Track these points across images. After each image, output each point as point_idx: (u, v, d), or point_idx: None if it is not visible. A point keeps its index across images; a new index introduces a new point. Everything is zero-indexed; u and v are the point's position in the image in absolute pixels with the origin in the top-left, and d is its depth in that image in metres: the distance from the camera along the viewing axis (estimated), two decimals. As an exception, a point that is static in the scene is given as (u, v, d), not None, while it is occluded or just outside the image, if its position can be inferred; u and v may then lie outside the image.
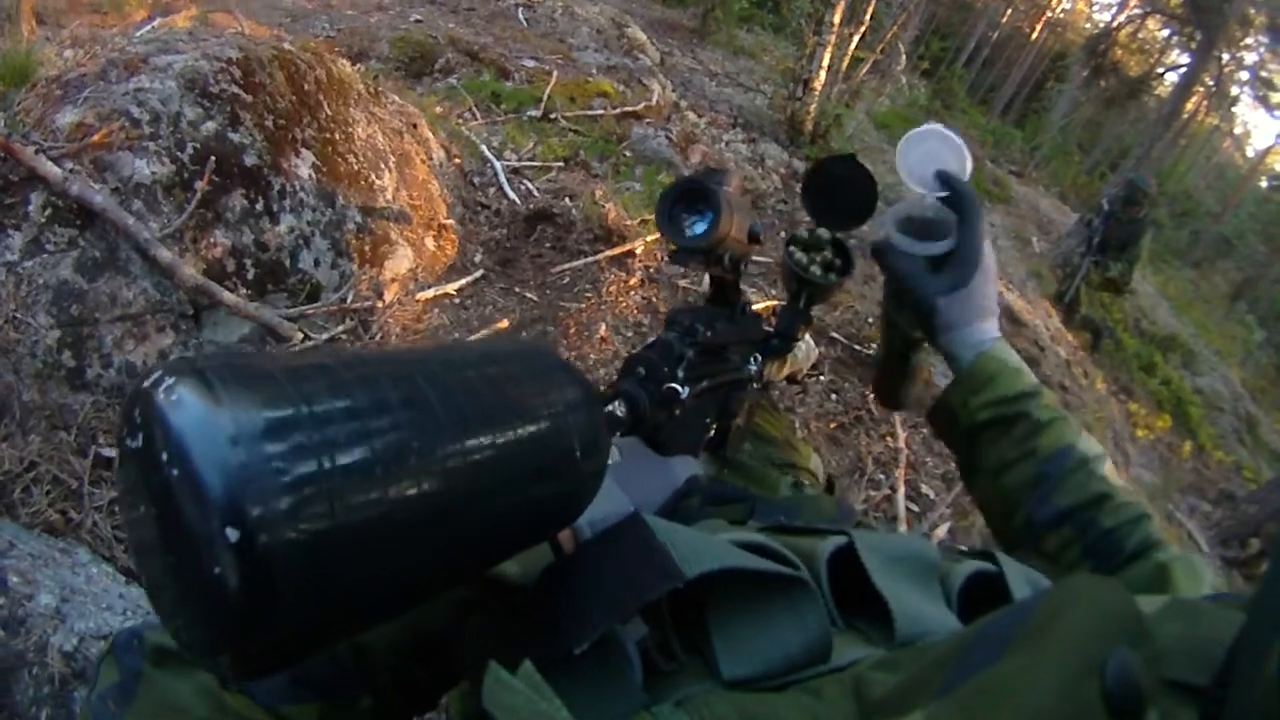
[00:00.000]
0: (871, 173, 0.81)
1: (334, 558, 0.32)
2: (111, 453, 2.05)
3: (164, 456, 0.31)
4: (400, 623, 0.57)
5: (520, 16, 6.95)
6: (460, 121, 4.55)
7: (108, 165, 2.30)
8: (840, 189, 0.82)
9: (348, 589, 0.33)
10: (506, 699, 0.38)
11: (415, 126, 3.70)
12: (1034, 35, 24.67)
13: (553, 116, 5.01)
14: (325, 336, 2.62)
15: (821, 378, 3.62)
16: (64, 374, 2.10)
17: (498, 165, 4.11)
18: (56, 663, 1.40)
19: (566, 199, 4.00)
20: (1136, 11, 20.64)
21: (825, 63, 6.29)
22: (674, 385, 0.63)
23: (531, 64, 5.71)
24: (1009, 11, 25.01)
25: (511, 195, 3.95)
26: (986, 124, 17.00)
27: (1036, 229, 9.67)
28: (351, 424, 0.33)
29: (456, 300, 3.21)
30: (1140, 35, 22.61)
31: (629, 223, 3.84)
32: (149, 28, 4.08)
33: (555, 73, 5.60)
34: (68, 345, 2.11)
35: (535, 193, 4.06)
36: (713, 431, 0.78)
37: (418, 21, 6.25)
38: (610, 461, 0.57)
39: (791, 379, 1.00)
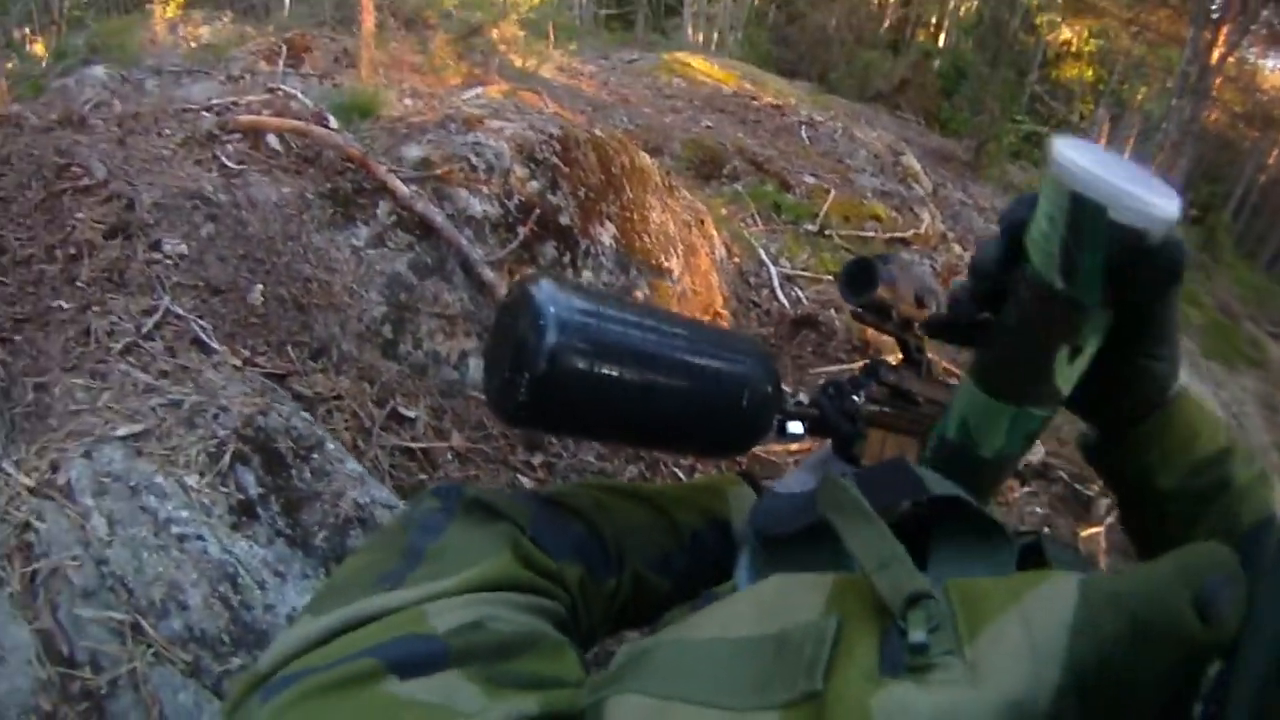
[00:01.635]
0: None
1: (580, 377, 0.56)
2: (407, 412, 2.60)
3: (529, 300, 0.56)
4: (652, 535, 0.70)
5: (803, 134, 7.41)
6: (742, 225, 4.99)
7: (446, 196, 2.95)
8: None
9: (589, 394, 0.57)
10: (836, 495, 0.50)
11: (702, 223, 4.18)
12: (1304, 180, 22.11)
13: (827, 232, 5.34)
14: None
15: (1025, 486, 3.67)
16: (380, 342, 2.69)
17: (773, 269, 4.53)
18: (347, 506, 1.92)
19: (832, 310, 4.30)
20: None
21: None
22: (854, 399, 0.79)
23: (811, 180, 6.09)
24: (1275, 152, 22.57)
25: (782, 298, 4.35)
26: (1250, 278, 15.47)
27: (1291, 399, 8.79)
28: (622, 326, 0.59)
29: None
30: None
31: (885, 339, 4.13)
32: (474, 93, 4.89)
33: (833, 191, 5.89)
34: (390, 321, 2.71)
35: (804, 300, 4.42)
36: None
37: (708, 127, 6.81)
38: (817, 460, 0.82)
39: None
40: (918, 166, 7.55)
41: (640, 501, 0.70)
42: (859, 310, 0.78)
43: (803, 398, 0.78)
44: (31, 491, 1.79)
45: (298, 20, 8.85)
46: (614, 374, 0.57)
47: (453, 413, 2.73)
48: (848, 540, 0.46)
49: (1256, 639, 0.33)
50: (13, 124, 3.16)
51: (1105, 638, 0.36)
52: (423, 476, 2.49)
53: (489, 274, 2.80)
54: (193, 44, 7.93)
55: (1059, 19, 15.25)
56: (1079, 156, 0.50)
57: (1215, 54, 9.89)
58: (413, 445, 2.56)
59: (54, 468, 1.83)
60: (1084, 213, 0.50)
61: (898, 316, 0.80)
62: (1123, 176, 0.49)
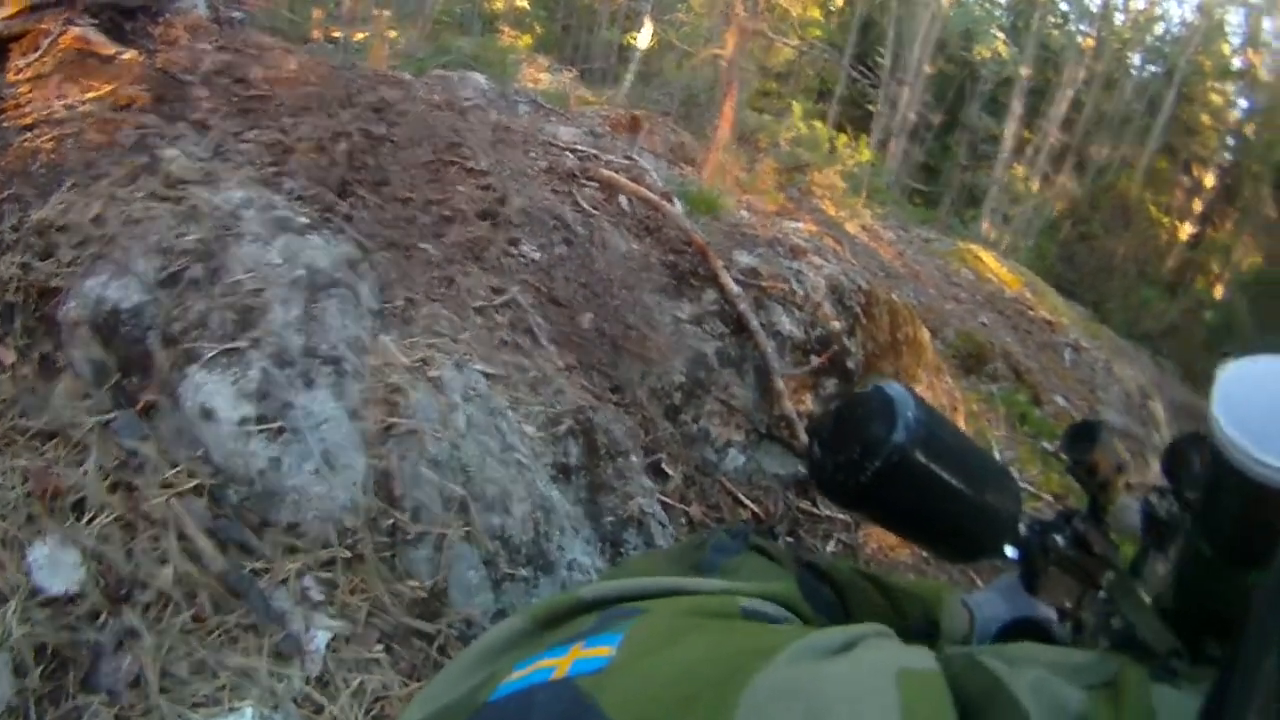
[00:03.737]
0: None
1: (916, 469, 0.65)
2: (668, 470, 2.98)
3: (886, 400, 0.66)
4: (882, 615, 0.75)
5: (1066, 356, 7.47)
6: (988, 425, 5.20)
7: (764, 306, 3.38)
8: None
9: (912, 486, 0.66)
10: None
11: (955, 410, 4.42)
12: None
13: (1062, 456, 5.42)
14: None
15: None
16: (667, 404, 3.11)
17: (1006, 476, 4.69)
18: (634, 508, 2.35)
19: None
20: None
21: None
22: (1055, 537, 0.90)
23: (1061, 401, 6.22)
24: None
25: None
26: None
27: None
28: (947, 439, 0.69)
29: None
30: None
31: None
32: (797, 226, 5.33)
33: (1079, 418, 5.98)
34: (682, 390, 3.13)
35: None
36: (1068, 623, 0.98)
37: (983, 324, 7.02)
38: (1004, 584, 0.95)
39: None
40: (1162, 416, 7.41)
41: (877, 586, 0.78)
42: (1074, 464, 0.91)
43: (1021, 527, 0.87)
44: (406, 370, 2.21)
45: (640, 101, 9.52)
46: (940, 474, 0.67)
47: (700, 487, 3.09)
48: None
49: (1256, 643, 0.34)
50: (405, 88, 3.75)
51: None
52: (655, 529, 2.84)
53: (779, 383, 3.17)
54: (531, 84, 8.78)
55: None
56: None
57: None
58: (660, 498, 2.92)
59: (425, 363, 2.27)
60: None
61: (1100, 476, 0.92)
62: None
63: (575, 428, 2.43)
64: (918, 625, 0.80)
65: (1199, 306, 14.34)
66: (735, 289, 3.31)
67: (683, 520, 2.97)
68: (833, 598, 0.69)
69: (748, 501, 3.15)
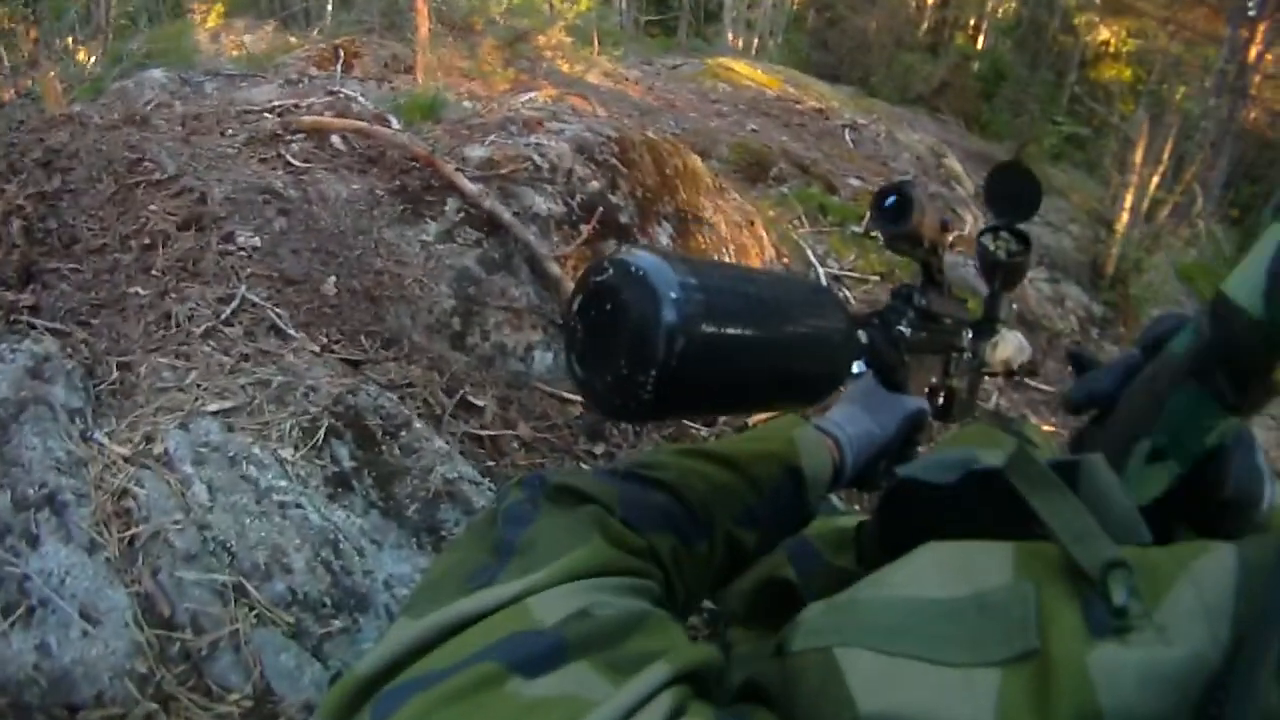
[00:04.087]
0: (1036, 174, 0.98)
1: (708, 350, 0.50)
2: (476, 401, 2.70)
3: (635, 278, 0.49)
4: (734, 493, 0.70)
5: (847, 137, 7.47)
6: (790, 226, 5.07)
7: (511, 194, 3.06)
8: (1015, 189, 0.98)
9: (709, 374, 0.51)
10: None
11: (752, 224, 4.26)
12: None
13: (873, 234, 5.44)
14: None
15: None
16: (449, 334, 2.79)
17: (820, 271, 4.60)
18: (436, 481, 2.04)
19: (881, 308, 4.44)
20: None
21: (1128, 205, 6.25)
22: (900, 329, 0.82)
23: (856, 182, 6.15)
24: None
25: None
26: None
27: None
28: (732, 293, 0.53)
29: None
30: None
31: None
32: (528, 98, 4.97)
33: None
34: (458, 314, 2.81)
35: (852, 300, 4.47)
36: (940, 397, 0.96)
37: (753, 131, 6.89)
38: (861, 391, 0.86)
39: (1008, 372, 1.09)
40: (960, 169, 7.58)
41: (718, 461, 0.71)
42: (893, 239, 0.80)
43: (861, 334, 0.78)
44: (128, 460, 1.87)
45: (342, 27, 9.04)
46: (741, 335, 0.52)
47: (519, 403, 2.82)
48: (1042, 511, 0.49)
49: (1268, 627, 0.36)
50: (76, 123, 3.28)
51: (1263, 591, 0.40)
52: (490, 463, 2.57)
53: (555, 269, 2.90)
54: (235, 51, 8.17)
55: (1097, 19, 15.18)
56: None
57: (1253, 52, 9.84)
58: (481, 433, 2.64)
59: (149, 439, 1.92)
60: None
61: (927, 243, 0.83)
62: None
63: (337, 423, 2.09)
64: (779, 482, 0.73)
65: (965, 60, 14.75)
66: (474, 189, 2.98)
67: (515, 444, 2.72)
68: (670, 499, 0.63)
69: (572, 397, 2.91)
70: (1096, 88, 14.66)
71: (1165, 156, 6.52)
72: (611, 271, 0.50)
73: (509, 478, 2.64)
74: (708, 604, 1.37)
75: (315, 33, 9.43)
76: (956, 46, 14.93)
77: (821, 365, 0.64)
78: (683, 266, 0.50)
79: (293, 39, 8.84)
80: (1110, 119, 9.26)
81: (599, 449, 2.79)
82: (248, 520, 1.80)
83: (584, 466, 2.71)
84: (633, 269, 0.49)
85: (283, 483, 1.90)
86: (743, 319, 0.53)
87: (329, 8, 10.79)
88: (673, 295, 0.48)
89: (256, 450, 1.95)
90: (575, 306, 0.53)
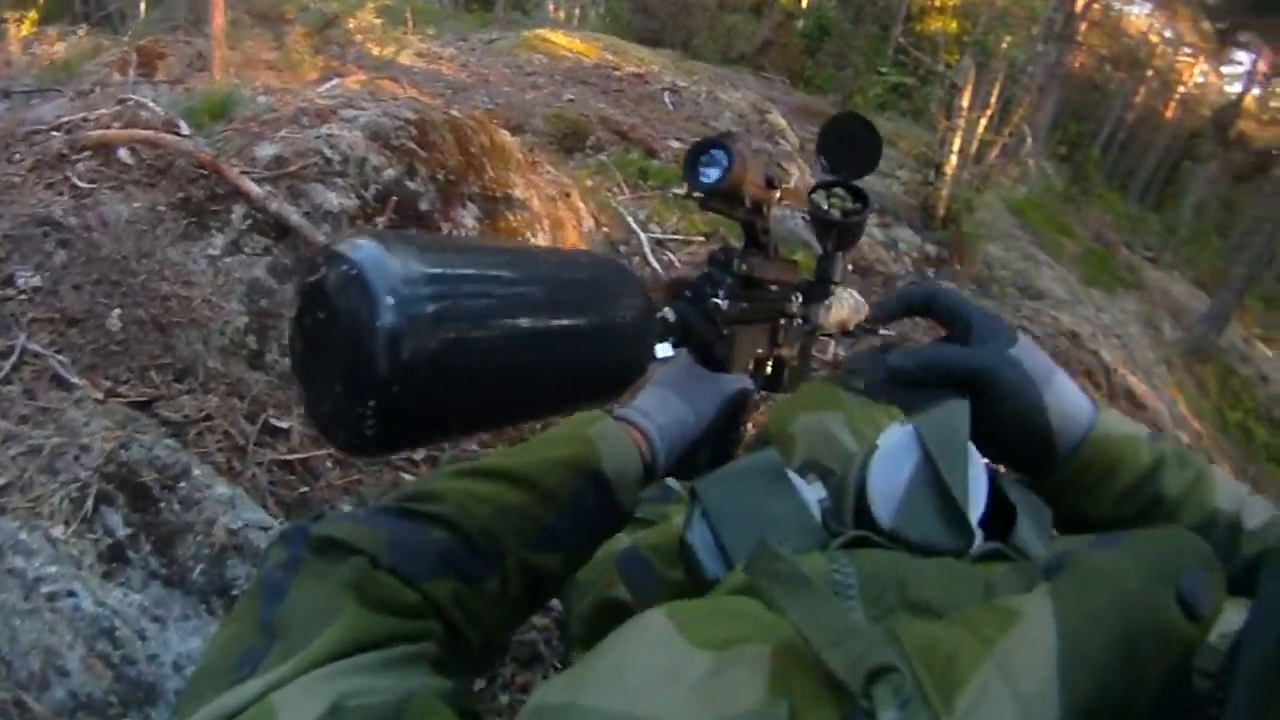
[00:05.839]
0: (875, 125, 0.93)
1: (446, 361, 0.39)
2: (280, 424, 2.48)
3: (346, 277, 0.38)
4: (525, 514, 0.62)
5: (667, 100, 7.42)
6: (609, 194, 4.94)
7: (301, 193, 2.81)
8: (851, 142, 0.93)
9: (453, 392, 0.41)
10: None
11: (568, 195, 4.12)
12: (1168, 114, 23.83)
13: (696, 194, 5.38)
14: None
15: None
16: (245, 354, 2.56)
17: (643, 236, 4.49)
18: (220, 534, 1.81)
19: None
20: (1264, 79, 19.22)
21: (956, 147, 6.41)
22: (716, 301, 0.73)
23: (677, 144, 6.09)
24: (1141, 90, 24.12)
25: (654, 264, 4.31)
26: (1122, 208, 16.45)
27: (1169, 315, 9.40)
28: (478, 284, 0.43)
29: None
30: (1273, 105, 20.69)
31: (765, 294, 4.16)
32: (330, 86, 4.69)
33: None
34: (253, 331, 2.57)
35: (677, 264, 4.40)
36: (769, 367, 0.89)
37: (570, 100, 6.76)
38: (673, 374, 0.78)
39: (845, 332, 1.04)
40: (784, 123, 7.64)
41: (502, 479, 0.62)
42: (709, 197, 0.71)
43: (667, 312, 0.71)
44: None
45: (152, 27, 8.43)
46: (490, 335, 0.42)
47: (329, 418, 2.60)
48: (791, 614, 0.40)
49: (1263, 624, 0.33)
50: None
51: (1097, 665, 0.34)
52: (304, 489, 2.40)
53: (349, 270, 2.67)
54: (48, 62, 7.47)
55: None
56: None
57: (1080, 1, 10.26)
58: (290, 457, 2.44)
59: None
60: None
61: (749, 201, 0.74)
62: None
63: (108, 487, 1.84)
64: (578, 491, 0.64)
65: (789, 18, 14.95)
66: (259, 191, 2.73)
67: (329, 464, 2.51)
68: (447, 536, 0.56)
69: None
70: (922, 39, 15.21)
71: (993, 100, 6.73)
72: (324, 269, 0.40)
73: (325, 501, 2.45)
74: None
75: (128, 36, 8.75)
76: (780, 5, 15.11)
77: (611, 356, 0.54)
78: (414, 256, 0.40)
79: (105, 43, 8.17)
80: (936, 68, 9.58)
81: (419, 454, 2.62)
82: (18, 622, 1.58)
83: (405, 476, 2.54)
84: (344, 265, 0.38)
85: (52, 568, 1.68)
86: (495, 314, 0.43)
87: (142, 7, 10.14)
88: (390, 300, 0.37)
89: (24, 536, 1.72)
90: (294, 313, 0.42)
